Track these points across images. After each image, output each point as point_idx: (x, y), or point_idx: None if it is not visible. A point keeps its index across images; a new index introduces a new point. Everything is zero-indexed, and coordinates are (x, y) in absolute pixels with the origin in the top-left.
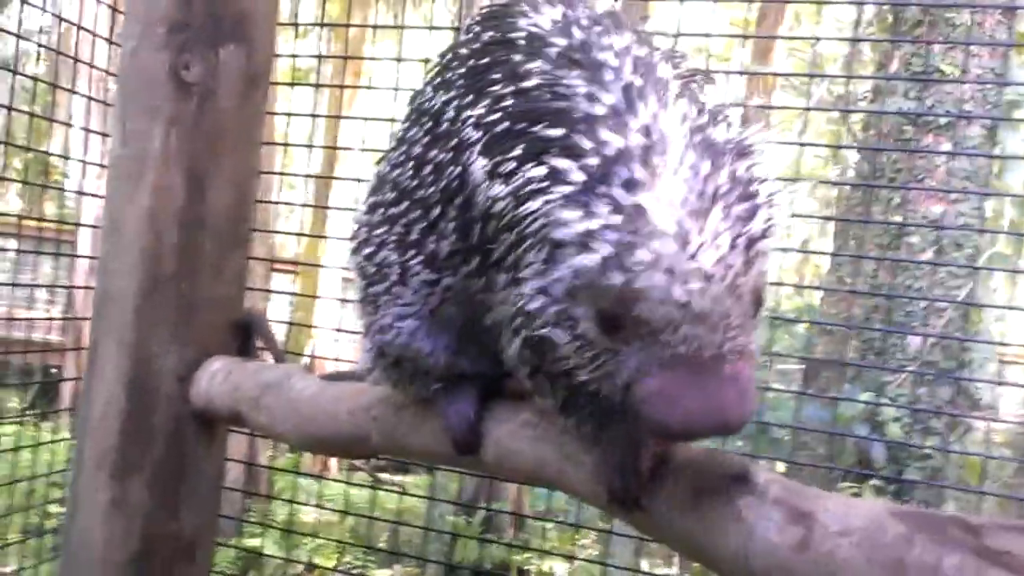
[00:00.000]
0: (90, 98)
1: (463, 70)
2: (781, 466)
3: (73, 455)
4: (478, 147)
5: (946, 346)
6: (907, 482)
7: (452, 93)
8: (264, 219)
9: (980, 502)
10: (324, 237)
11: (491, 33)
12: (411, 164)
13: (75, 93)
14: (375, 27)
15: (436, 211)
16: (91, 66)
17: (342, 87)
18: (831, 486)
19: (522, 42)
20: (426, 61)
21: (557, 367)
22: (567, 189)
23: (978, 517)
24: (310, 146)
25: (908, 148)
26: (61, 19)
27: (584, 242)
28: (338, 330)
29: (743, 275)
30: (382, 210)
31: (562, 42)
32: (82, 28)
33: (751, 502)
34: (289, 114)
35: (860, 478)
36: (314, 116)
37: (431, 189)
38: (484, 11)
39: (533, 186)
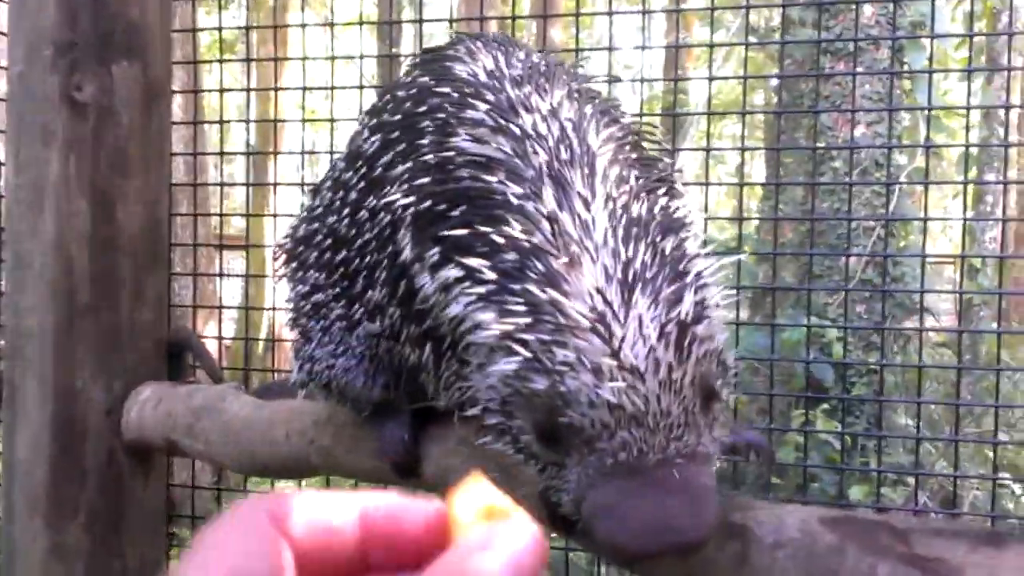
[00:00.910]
0: None
1: (398, 116)
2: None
3: (2, 502)
4: (406, 227)
5: (879, 263)
6: (855, 399)
7: (387, 138)
8: (203, 199)
9: (925, 409)
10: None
11: (427, 79)
12: (347, 211)
13: None
14: None
15: (375, 258)
16: None
17: (275, 59)
18: (789, 411)
19: (455, 94)
20: (360, 23)
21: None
22: (482, 289)
23: (905, 521)
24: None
25: (821, 73)
26: None
27: (505, 345)
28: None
29: (679, 366)
30: (316, 253)
31: (491, 99)
32: None
33: None
34: (221, 90)
35: (813, 402)
36: (248, 90)
37: (367, 236)
38: (423, 53)
39: (453, 288)
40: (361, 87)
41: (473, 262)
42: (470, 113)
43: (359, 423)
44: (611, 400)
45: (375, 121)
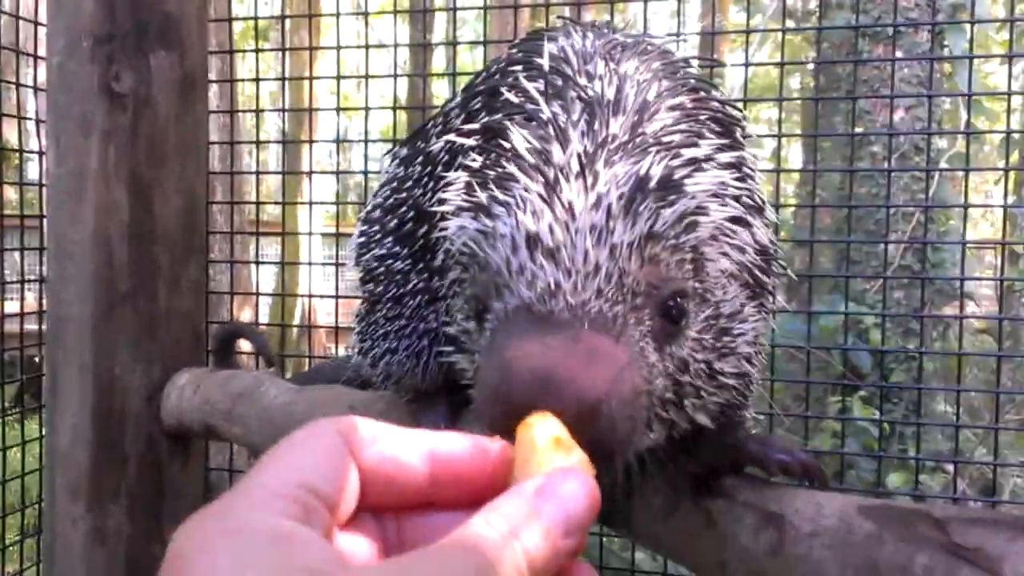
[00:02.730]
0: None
1: (483, 86)
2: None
3: (45, 485)
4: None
5: (918, 249)
6: (893, 387)
7: (471, 108)
8: (237, 186)
9: (965, 396)
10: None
11: (517, 53)
12: (431, 184)
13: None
14: None
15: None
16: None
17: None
18: (825, 398)
19: (537, 65)
20: (394, 12)
21: None
22: (468, 177)
23: (944, 509)
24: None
25: (859, 59)
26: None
27: (456, 209)
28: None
29: (625, 224)
30: (397, 222)
31: (567, 71)
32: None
33: (722, 506)
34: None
35: (850, 389)
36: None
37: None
38: (528, 34)
39: (450, 189)
40: (395, 76)
41: (474, 161)
42: (539, 83)
43: (396, 409)
44: (531, 230)
45: (465, 94)
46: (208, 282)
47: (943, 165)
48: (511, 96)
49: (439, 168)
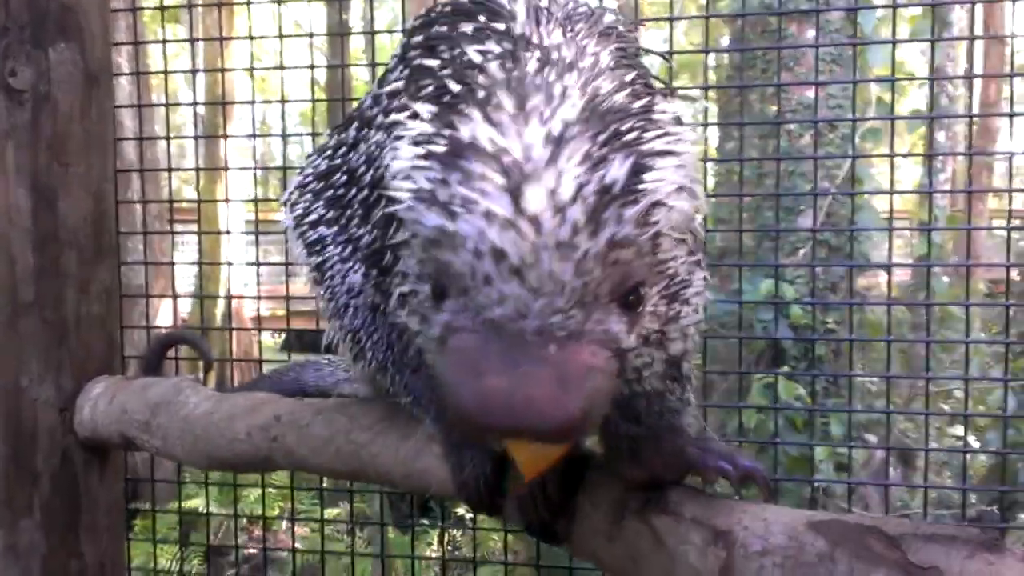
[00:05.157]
0: None
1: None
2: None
3: None
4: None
5: (836, 223)
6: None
7: (412, 65)
8: (153, 179)
9: (880, 366)
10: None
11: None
12: (364, 147)
13: None
14: None
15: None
16: None
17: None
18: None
19: (481, 16)
20: None
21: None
22: (416, 131)
23: (897, 525)
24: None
25: (782, 46)
26: None
27: (408, 175)
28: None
29: (589, 237)
30: (331, 192)
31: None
32: None
33: (668, 524)
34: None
35: (775, 364)
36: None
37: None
38: None
39: (393, 129)
40: (312, 67)
41: (419, 105)
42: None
43: (323, 419)
44: (496, 244)
45: (402, 53)
46: (120, 285)
47: (857, 141)
48: (460, 53)
49: (374, 129)
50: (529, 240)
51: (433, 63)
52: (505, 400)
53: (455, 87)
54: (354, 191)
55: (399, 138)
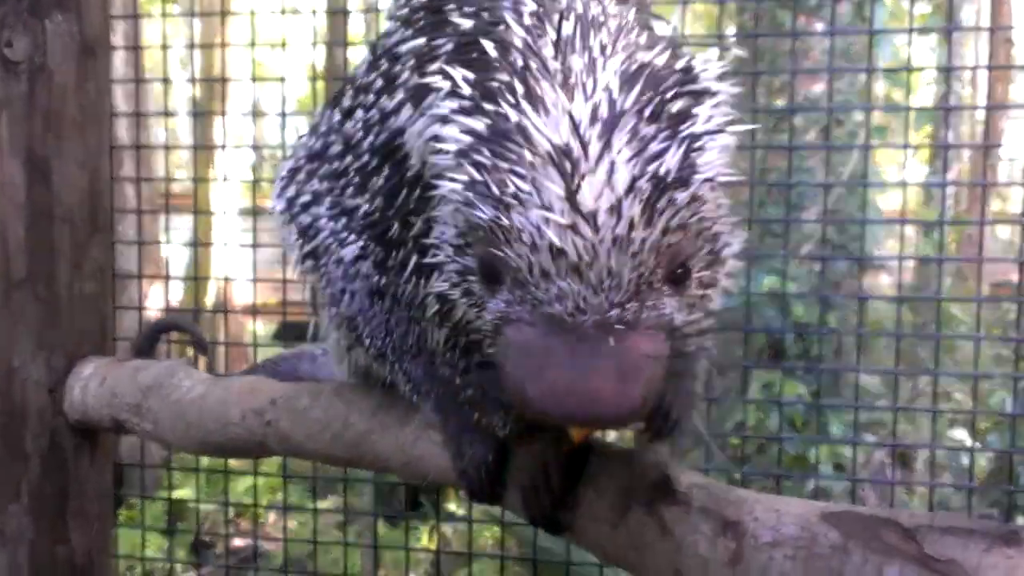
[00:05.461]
0: None
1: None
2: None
3: None
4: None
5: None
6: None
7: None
8: (147, 154)
9: (891, 362)
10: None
11: None
12: (361, 113)
13: None
14: None
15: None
16: None
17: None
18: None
19: None
20: None
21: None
22: (455, 104)
23: (911, 517)
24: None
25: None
26: None
27: (458, 163)
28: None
29: (643, 228)
30: (325, 167)
31: None
32: None
33: (676, 513)
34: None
35: (774, 362)
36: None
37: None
38: None
39: (428, 98)
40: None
41: (457, 72)
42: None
43: (319, 403)
44: (555, 243)
45: (400, 14)
46: (114, 264)
47: (861, 137)
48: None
49: (373, 95)
50: (587, 238)
51: (457, 19)
52: (572, 394)
53: (491, 49)
54: (350, 158)
55: (431, 105)
